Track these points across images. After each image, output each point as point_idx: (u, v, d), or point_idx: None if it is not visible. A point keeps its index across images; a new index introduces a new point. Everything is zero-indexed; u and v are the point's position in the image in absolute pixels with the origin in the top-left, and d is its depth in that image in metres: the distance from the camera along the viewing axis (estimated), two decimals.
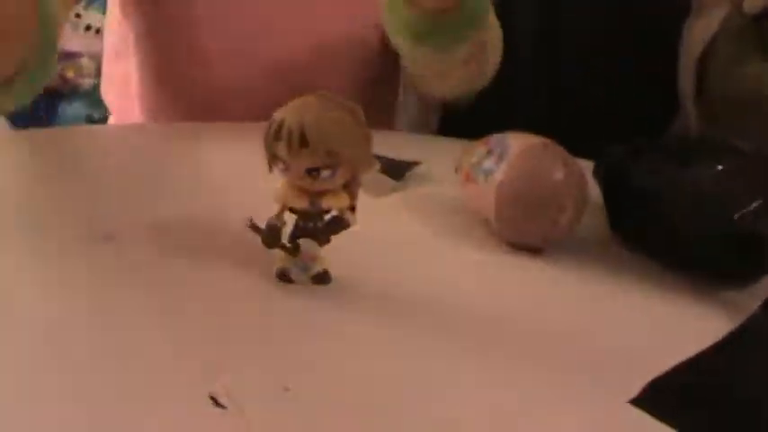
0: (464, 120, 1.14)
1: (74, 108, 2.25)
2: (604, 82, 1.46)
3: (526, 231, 0.74)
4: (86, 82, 2.28)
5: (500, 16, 1.14)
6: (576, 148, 0.83)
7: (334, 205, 0.61)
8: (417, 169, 0.91)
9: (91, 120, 2.22)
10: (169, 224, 0.72)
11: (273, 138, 0.58)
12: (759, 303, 0.70)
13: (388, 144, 0.86)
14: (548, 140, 0.76)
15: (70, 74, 2.26)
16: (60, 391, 0.49)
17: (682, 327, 0.69)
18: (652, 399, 0.56)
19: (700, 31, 1.23)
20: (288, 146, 0.57)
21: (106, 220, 0.71)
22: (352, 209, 0.62)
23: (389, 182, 0.85)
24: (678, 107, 1.39)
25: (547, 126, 1.06)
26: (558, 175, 0.73)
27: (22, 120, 2.16)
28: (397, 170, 0.86)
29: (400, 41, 0.99)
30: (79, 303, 0.59)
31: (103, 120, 1.94)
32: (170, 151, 0.91)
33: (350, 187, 0.61)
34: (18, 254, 0.65)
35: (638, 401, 0.55)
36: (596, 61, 1.44)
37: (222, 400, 0.49)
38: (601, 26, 1.46)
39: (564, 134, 1.00)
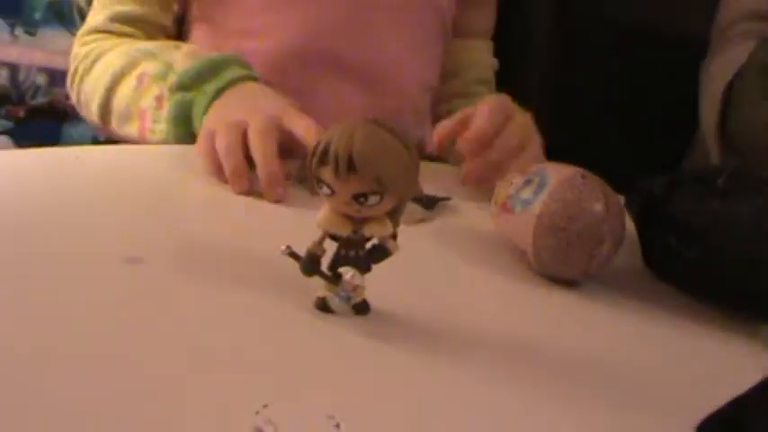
0: None
1: (78, 130, 2.24)
2: (620, 112, 1.46)
3: (564, 264, 0.73)
4: None
5: (519, 47, 1.15)
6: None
7: (377, 233, 0.59)
8: (448, 203, 0.90)
9: (96, 141, 2.20)
10: (200, 248, 0.70)
11: (319, 161, 0.56)
12: None
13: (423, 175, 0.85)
14: (586, 171, 0.74)
15: None
16: (86, 417, 0.47)
17: (720, 362, 0.68)
18: None
19: (723, 67, 1.23)
20: (335, 170, 0.55)
21: (132, 242, 0.69)
22: (395, 237, 0.60)
23: (419, 210, 0.84)
24: (691, 139, 1.39)
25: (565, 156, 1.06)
26: (598, 207, 0.71)
27: (25, 141, 2.15)
28: (427, 201, 0.85)
29: None
30: (105, 328, 0.56)
31: (108, 142, 1.93)
32: (199, 172, 0.90)
33: (393, 215, 0.60)
34: (41, 276, 0.63)
35: None
36: (613, 91, 1.44)
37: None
38: (619, 58, 1.46)
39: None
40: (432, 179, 0.93)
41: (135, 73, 1.04)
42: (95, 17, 1.15)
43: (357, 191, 0.56)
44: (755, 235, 0.72)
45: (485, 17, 1.34)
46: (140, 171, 0.90)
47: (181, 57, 1.01)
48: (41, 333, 0.54)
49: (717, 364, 0.68)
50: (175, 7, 1.16)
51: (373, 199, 0.56)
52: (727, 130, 1.18)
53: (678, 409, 0.58)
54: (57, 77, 2.15)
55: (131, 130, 1.04)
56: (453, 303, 0.69)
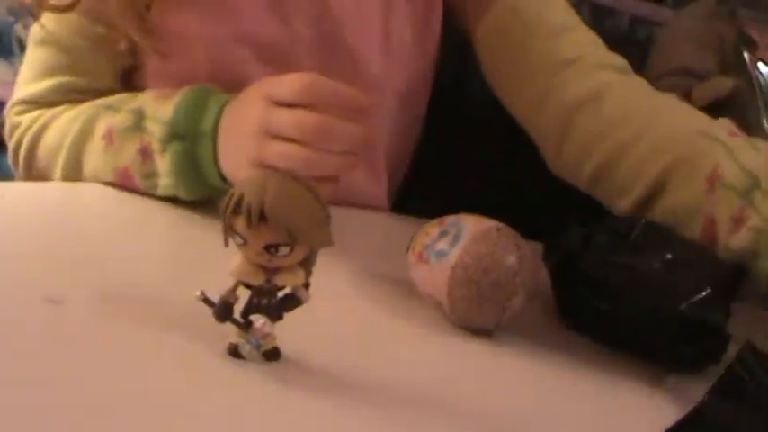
0: (419, 197, 1.15)
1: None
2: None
3: (477, 314, 0.74)
4: None
5: (458, 89, 1.16)
6: (527, 224, 0.84)
7: (289, 282, 0.61)
8: (369, 247, 0.91)
9: None
10: (119, 290, 0.71)
11: (232, 212, 0.57)
12: (705, 390, 0.70)
13: (340, 222, 0.86)
14: (501, 224, 0.76)
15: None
16: None
17: (629, 412, 0.70)
18: None
19: None
20: (247, 221, 0.57)
21: (52, 283, 0.70)
22: (307, 286, 0.62)
23: None
24: None
25: (503, 203, 1.08)
26: (511, 259, 0.73)
27: None
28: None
29: None
30: (18, 367, 0.57)
31: None
32: (120, 213, 0.91)
33: (306, 265, 0.61)
34: None
35: None
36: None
37: None
38: None
39: (520, 212, 1.01)
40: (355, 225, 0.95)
41: (98, 133, 0.95)
42: (29, 87, 1.05)
43: (268, 241, 0.57)
44: (660, 290, 0.74)
45: None
46: (62, 209, 0.90)
47: (152, 101, 0.93)
48: None
49: (623, 412, 0.70)
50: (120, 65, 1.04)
51: (284, 250, 0.58)
52: None
53: None
54: None
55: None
56: (366, 351, 0.71)
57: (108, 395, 0.56)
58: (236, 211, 0.57)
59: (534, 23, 1.03)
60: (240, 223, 0.57)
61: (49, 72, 1.03)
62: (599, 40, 1.03)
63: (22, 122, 1.04)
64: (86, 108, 0.98)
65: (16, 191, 0.98)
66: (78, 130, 0.97)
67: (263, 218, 0.56)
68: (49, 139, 1.01)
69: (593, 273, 0.78)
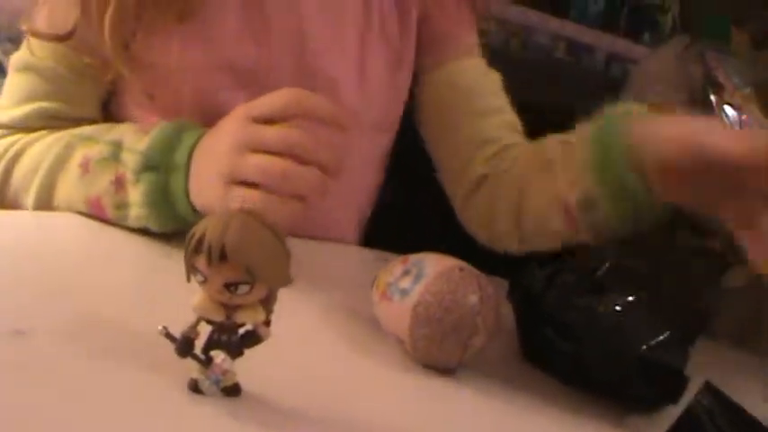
0: (385, 231, 1.16)
1: None
2: None
3: (439, 353, 0.75)
4: None
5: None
6: (492, 263, 0.85)
7: (249, 320, 0.61)
8: (336, 281, 0.92)
9: None
10: (84, 321, 0.71)
11: (194, 250, 0.58)
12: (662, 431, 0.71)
13: (308, 255, 0.87)
14: (463, 264, 0.77)
15: None
16: None
17: None
18: None
19: None
20: (207, 259, 0.57)
21: (19, 314, 0.70)
22: (267, 323, 0.62)
23: None
24: None
25: (467, 241, 1.08)
26: (473, 299, 0.74)
27: None
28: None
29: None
30: None
31: None
32: (90, 244, 0.91)
33: (266, 302, 0.62)
34: None
35: None
36: None
37: None
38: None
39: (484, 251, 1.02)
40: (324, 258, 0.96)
41: (75, 161, 0.95)
42: (8, 113, 1.03)
43: (228, 280, 0.58)
44: (620, 332, 0.75)
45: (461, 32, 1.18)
46: (31, 239, 0.90)
47: (131, 133, 0.93)
48: None
49: None
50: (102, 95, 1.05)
51: (243, 288, 0.58)
52: None
53: None
54: None
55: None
56: (328, 387, 0.71)
57: (71, 425, 0.57)
58: (198, 249, 0.58)
59: (466, 102, 1.14)
60: (201, 261, 0.58)
61: (30, 98, 1.02)
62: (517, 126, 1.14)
63: None
64: (65, 135, 0.98)
65: None
66: (55, 157, 0.96)
67: (223, 257, 0.57)
68: (24, 163, 0.99)
69: (555, 313, 0.79)
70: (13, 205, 1.00)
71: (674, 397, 0.75)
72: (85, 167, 0.93)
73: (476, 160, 1.10)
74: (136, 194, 0.89)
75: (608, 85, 1.59)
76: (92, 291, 0.79)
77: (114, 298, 0.78)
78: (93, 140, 0.95)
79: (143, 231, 0.90)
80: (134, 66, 0.96)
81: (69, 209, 0.95)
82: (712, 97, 1.12)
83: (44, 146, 0.98)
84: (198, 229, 0.59)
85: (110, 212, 0.92)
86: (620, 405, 0.77)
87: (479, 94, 1.14)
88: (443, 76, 1.15)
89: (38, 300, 0.74)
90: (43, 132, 1.01)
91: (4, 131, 1.03)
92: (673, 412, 0.73)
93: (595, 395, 0.78)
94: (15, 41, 1.07)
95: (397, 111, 1.14)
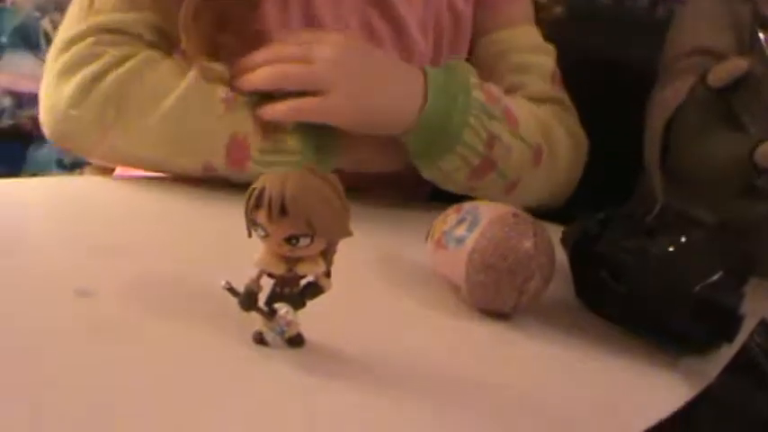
0: None
1: (43, 152, 2.26)
2: None
3: (495, 298, 0.76)
4: None
5: None
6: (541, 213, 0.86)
7: (310, 271, 0.63)
8: (390, 233, 0.94)
9: (61, 164, 2.22)
10: (147, 281, 0.73)
11: (254, 205, 0.60)
12: (718, 371, 0.72)
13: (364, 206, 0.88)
14: (517, 210, 0.78)
15: None
16: None
17: (645, 391, 0.72)
18: None
19: (665, 101, 1.26)
20: (268, 214, 0.59)
21: (82, 275, 0.72)
22: (328, 274, 0.64)
23: None
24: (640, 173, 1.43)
25: None
26: (527, 244, 0.75)
27: None
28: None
29: None
30: (50, 360, 0.60)
31: (74, 165, 1.93)
32: (150, 206, 0.93)
33: (326, 254, 0.63)
34: None
35: None
36: None
37: None
38: (576, 91, 1.49)
39: None
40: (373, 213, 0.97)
41: (217, 97, 0.95)
42: (111, 15, 0.98)
43: (289, 233, 0.59)
44: (674, 273, 0.76)
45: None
46: (94, 202, 0.93)
47: None
48: None
49: (639, 391, 0.72)
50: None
51: (304, 241, 0.60)
52: (668, 163, 1.21)
53: None
54: (22, 100, 2.16)
55: (200, 159, 0.96)
56: (387, 336, 0.73)
57: (141, 383, 0.59)
58: (258, 204, 0.59)
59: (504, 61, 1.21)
60: (262, 216, 0.59)
61: (135, 5, 0.99)
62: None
63: (106, 53, 0.95)
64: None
65: (36, 185, 1.01)
66: (194, 82, 0.95)
67: (283, 211, 0.58)
68: (152, 79, 0.95)
69: (608, 256, 0.80)
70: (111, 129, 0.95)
71: (729, 336, 0.75)
72: (229, 105, 0.95)
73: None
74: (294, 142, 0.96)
75: (653, 27, 1.58)
76: (146, 249, 0.81)
77: (170, 255, 0.80)
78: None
79: (199, 190, 0.92)
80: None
81: (201, 142, 0.96)
82: (761, 35, 1.11)
83: (176, 67, 0.97)
84: (258, 185, 0.60)
85: (252, 154, 0.96)
86: (675, 345, 0.77)
87: (517, 50, 1.21)
88: (494, 38, 1.22)
89: (96, 260, 0.76)
90: (167, 57, 0.99)
91: (113, 37, 0.97)
92: (728, 352, 0.74)
93: (650, 336, 0.78)
94: (63, 10, 1.03)
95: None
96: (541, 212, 0.84)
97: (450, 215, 0.80)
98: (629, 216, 0.84)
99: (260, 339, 0.65)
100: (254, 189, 0.60)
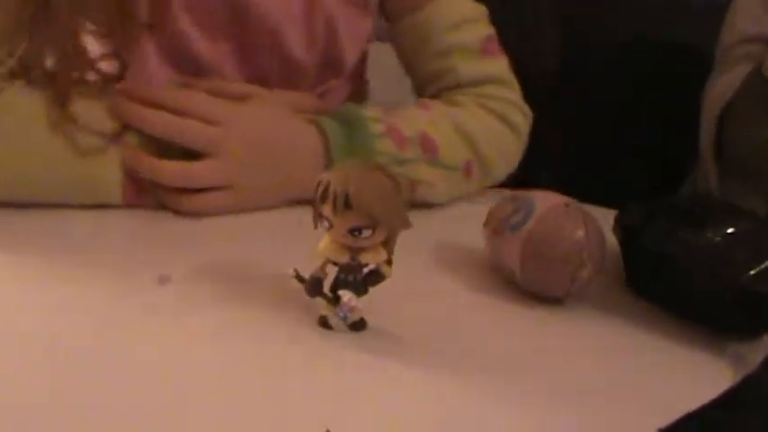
0: None
1: None
2: (629, 130, 1.51)
3: (548, 284, 0.80)
4: None
5: (527, 66, 1.19)
6: (598, 193, 0.89)
7: (372, 260, 0.67)
8: (449, 218, 0.98)
9: None
10: (222, 268, 0.78)
11: (320, 199, 0.64)
12: (762, 357, 0.75)
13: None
14: (570, 200, 0.81)
15: None
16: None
17: (691, 375, 0.74)
18: None
19: (721, 89, 1.27)
20: (333, 207, 0.63)
21: (160, 263, 0.78)
22: (389, 263, 0.68)
23: None
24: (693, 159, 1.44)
25: (572, 171, 1.12)
26: (579, 233, 0.78)
27: None
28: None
29: None
30: (138, 345, 0.65)
31: None
32: None
33: (387, 244, 0.67)
34: (72, 297, 0.71)
35: None
36: (622, 111, 1.49)
37: None
38: (628, 77, 1.51)
39: (588, 181, 1.06)
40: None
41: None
42: None
43: (352, 225, 0.64)
44: (720, 263, 0.78)
45: None
46: None
47: None
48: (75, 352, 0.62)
49: (685, 375, 0.74)
50: None
51: (366, 232, 0.64)
52: (723, 152, 1.23)
53: (647, 416, 0.64)
54: None
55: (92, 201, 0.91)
56: (445, 319, 0.76)
57: (221, 362, 0.64)
58: (324, 198, 0.64)
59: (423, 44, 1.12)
60: (327, 209, 0.64)
61: None
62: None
63: None
64: None
65: None
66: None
67: (347, 204, 0.63)
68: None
69: (657, 246, 0.83)
70: None
71: None
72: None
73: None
74: None
75: (710, 10, 1.58)
76: (217, 239, 0.85)
77: (240, 244, 0.84)
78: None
79: None
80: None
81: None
82: None
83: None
84: (323, 180, 0.64)
85: None
86: (722, 333, 0.80)
87: (437, 32, 1.12)
88: (408, 24, 1.14)
89: (174, 249, 0.81)
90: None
91: None
92: None
93: (698, 324, 0.81)
94: None
95: (353, 56, 1.15)
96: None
97: (506, 204, 0.83)
98: (676, 206, 0.87)
99: (325, 323, 0.69)
100: (319, 182, 0.64)
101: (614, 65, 1.42)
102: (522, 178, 1.01)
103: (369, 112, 1.01)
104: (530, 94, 1.17)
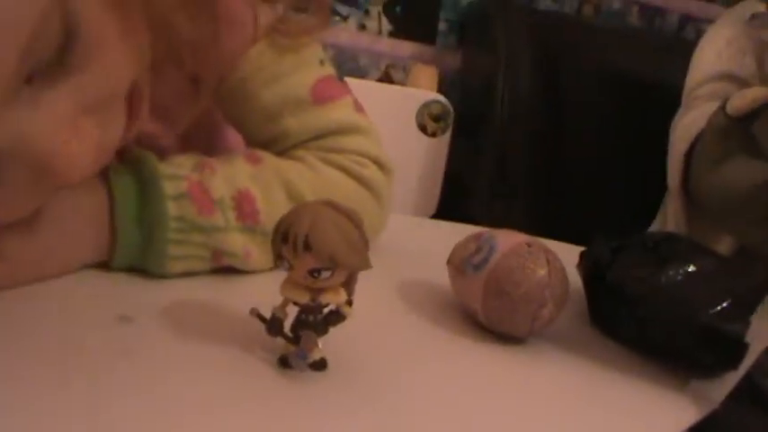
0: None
1: None
2: (602, 169, 1.53)
3: (510, 324, 0.80)
4: None
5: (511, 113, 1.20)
6: (568, 230, 0.90)
7: (332, 301, 0.67)
8: (411, 255, 0.98)
9: None
10: (181, 307, 0.78)
11: (281, 240, 0.64)
12: (724, 395, 0.75)
13: (388, 230, 0.93)
14: (532, 239, 0.82)
15: None
16: None
17: (654, 413, 0.75)
18: None
19: (687, 126, 1.29)
20: (293, 249, 0.63)
21: (121, 302, 0.77)
22: (350, 303, 0.68)
23: None
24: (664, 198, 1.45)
25: (543, 207, 1.13)
26: (541, 273, 0.79)
27: None
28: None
29: None
30: (98, 382, 0.65)
31: None
32: None
33: (347, 284, 0.68)
34: (36, 338, 0.71)
35: None
36: (595, 149, 1.51)
37: None
38: (601, 119, 1.53)
39: (559, 217, 1.06)
40: (399, 231, 1.01)
41: None
42: None
43: (312, 266, 0.64)
44: (682, 302, 0.79)
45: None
46: None
47: None
48: (36, 391, 0.62)
49: (648, 413, 0.75)
50: None
51: (326, 273, 0.64)
52: (690, 190, 1.24)
53: None
54: None
55: None
56: (404, 358, 0.77)
57: (178, 400, 0.63)
58: (284, 239, 0.64)
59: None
60: (287, 251, 0.64)
61: None
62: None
63: None
64: None
65: None
66: None
67: (306, 246, 0.63)
68: None
69: (620, 284, 0.84)
70: None
71: (735, 363, 0.78)
72: None
73: None
74: None
75: (681, 47, 1.60)
76: (179, 280, 0.85)
77: (200, 284, 0.84)
78: None
79: None
80: None
81: None
82: None
83: None
84: (283, 221, 0.64)
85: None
86: (685, 370, 0.81)
87: (260, 85, 0.91)
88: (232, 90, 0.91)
89: (136, 288, 0.81)
90: None
91: None
92: (734, 377, 0.77)
93: (660, 361, 0.82)
94: None
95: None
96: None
97: (470, 243, 0.84)
98: (642, 243, 0.88)
99: (285, 362, 0.69)
100: (280, 224, 0.65)
101: (587, 105, 1.43)
102: (496, 214, 1.01)
103: (172, 166, 0.83)
104: (502, 133, 1.18)
